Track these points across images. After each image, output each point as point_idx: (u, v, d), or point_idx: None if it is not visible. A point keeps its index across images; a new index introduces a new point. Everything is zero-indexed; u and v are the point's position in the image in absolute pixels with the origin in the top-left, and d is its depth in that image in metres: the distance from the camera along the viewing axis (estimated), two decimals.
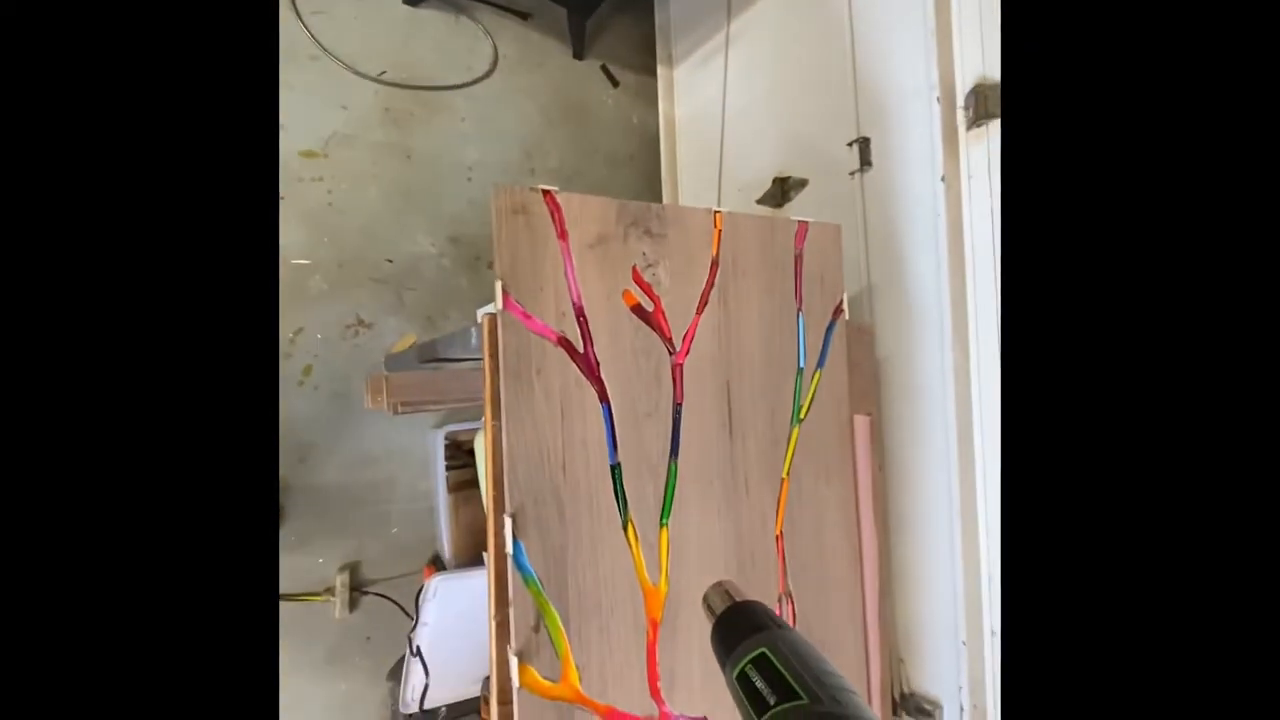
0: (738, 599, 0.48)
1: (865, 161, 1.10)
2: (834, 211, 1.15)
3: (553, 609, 0.67)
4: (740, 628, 0.45)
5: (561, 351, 0.70)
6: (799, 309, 0.88)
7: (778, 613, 0.52)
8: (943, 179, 0.94)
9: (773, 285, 0.86)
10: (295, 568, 1.27)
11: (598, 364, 0.72)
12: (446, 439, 1.28)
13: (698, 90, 1.64)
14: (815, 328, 0.90)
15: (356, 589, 1.31)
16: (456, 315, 1.47)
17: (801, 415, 0.87)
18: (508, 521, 0.66)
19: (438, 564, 1.34)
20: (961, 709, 0.91)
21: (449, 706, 1.14)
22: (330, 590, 1.28)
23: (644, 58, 1.78)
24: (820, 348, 0.90)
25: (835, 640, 0.88)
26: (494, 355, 0.67)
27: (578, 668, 0.68)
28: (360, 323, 1.37)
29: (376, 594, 1.32)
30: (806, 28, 1.27)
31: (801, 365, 0.88)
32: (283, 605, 1.23)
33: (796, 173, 1.28)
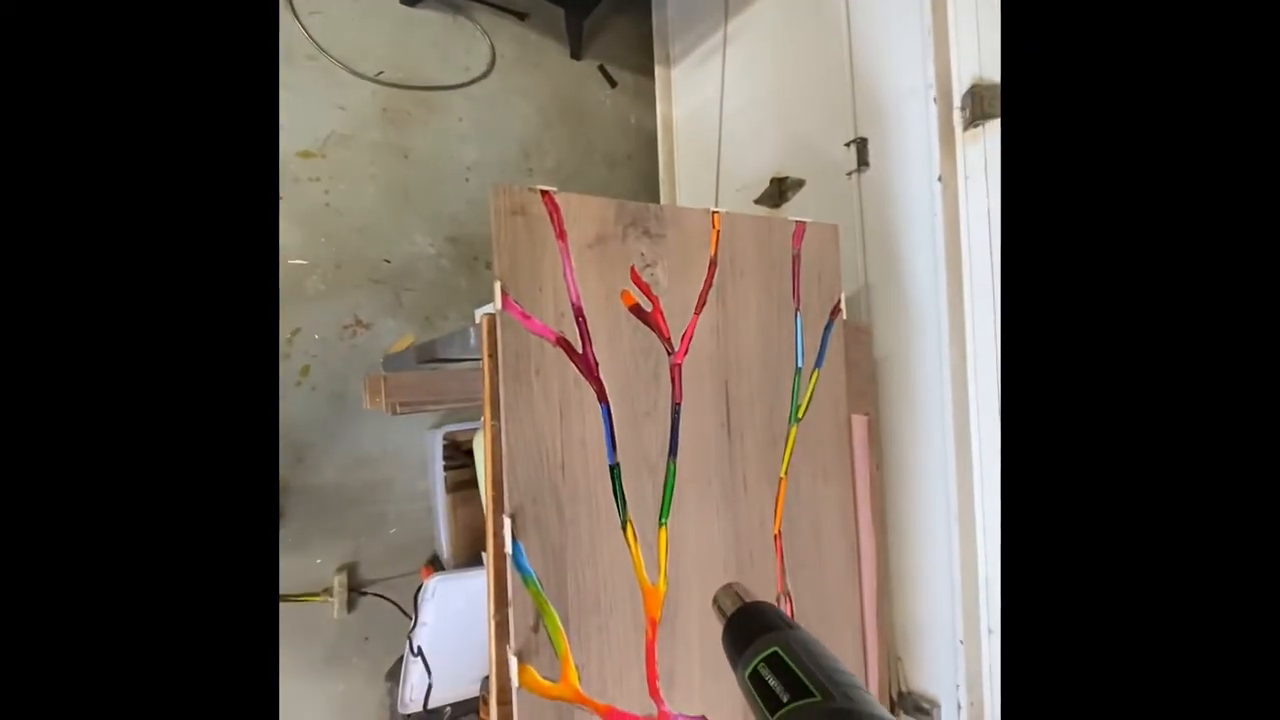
0: (747, 600, 0.49)
1: (862, 162, 1.11)
2: (831, 212, 1.15)
3: (552, 609, 0.67)
4: (751, 628, 0.45)
5: (560, 351, 0.70)
6: (797, 309, 0.88)
7: None
8: (939, 179, 0.94)
9: (771, 285, 0.86)
10: (293, 568, 1.26)
11: (596, 364, 0.72)
12: (445, 439, 1.28)
13: (695, 90, 1.64)
14: (813, 327, 0.90)
15: (354, 589, 1.31)
16: (455, 315, 1.47)
17: (799, 415, 0.87)
18: (507, 522, 0.66)
19: (436, 564, 1.34)
20: (959, 707, 0.92)
21: (453, 706, 1.14)
22: (328, 591, 1.28)
23: (641, 58, 1.78)
24: (818, 347, 0.90)
25: (833, 639, 0.88)
26: (493, 355, 0.67)
27: (577, 667, 0.68)
28: (358, 323, 1.37)
29: (375, 594, 1.32)
30: (804, 28, 1.28)
31: (799, 365, 0.88)
32: (281, 606, 1.23)
33: (794, 173, 1.28)
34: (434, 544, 1.38)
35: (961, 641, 0.92)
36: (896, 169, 1.05)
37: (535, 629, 0.66)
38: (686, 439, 0.77)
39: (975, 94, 0.92)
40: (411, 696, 1.10)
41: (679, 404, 0.77)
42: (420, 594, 1.09)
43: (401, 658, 1.14)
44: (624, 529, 0.72)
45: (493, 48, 1.58)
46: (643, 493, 0.74)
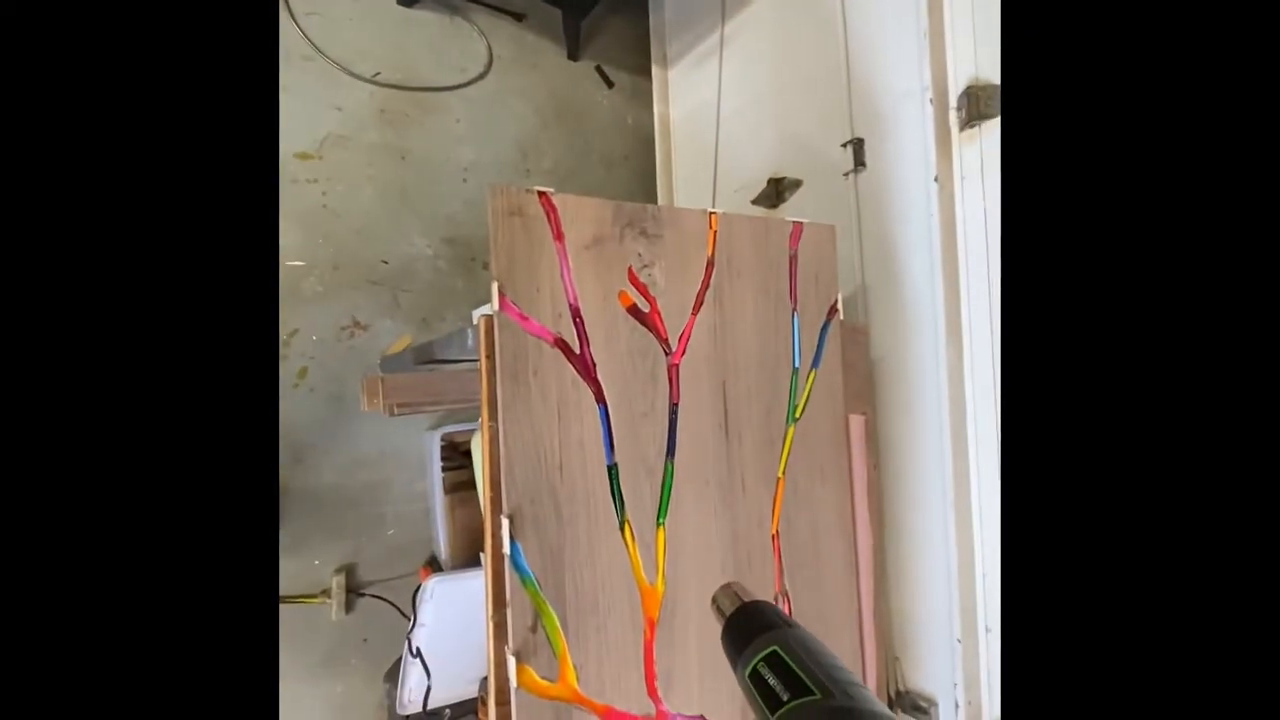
0: (746, 600, 0.49)
1: (859, 162, 1.11)
2: (829, 212, 1.15)
3: (550, 609, 0.67)
4: (750, 627, 0.45)
5: (558, 352, 0.70)
6: (794, 309, 0.89)
7: None
8: (936, 180, 0.95)
9: (768, 285, 0.86)
10: (291, 570, 1.26)
11: (594, 365, 0.72)
12: (443, 440, 1.28)
13: (692, 91, 1.65)
14: (810, 328, 0.90)
15: (353, 591, 1.31)
16: (452, 316, 1.47)
17: (797, 415, 0.88)
18: (505, 522, 0.66)
19: (434, 565, 1.34)
20: (957, 705, 0.92)
21: (452, 706, 1.14)
22: (326, 592, 1.28)
23: (638, 59, 1.78)
24: (815, 347, 0.90)
25: (831, 638, 0.88)
26: (490, 356, 0.67)
27: (575, 667, 0.68)
28: (356, 324, 1.37)
29: (373, 595, 1.32)
30: (800, 29, 1.28)
31: (797, 365, 0.88)
32: (279, 607, 1.23)
33: (791, 173, 1.28)
34: (432, 545, 1.38)
35: (959, 640, 0.92)
36: (893, 170, 1.05)
37: (533, 629, 0.66)
38: (684, 439, 0.77)
39: (971, 95, 0.93)
40: (410, 698, 1.10)
41: (676, 404, 0.77)
42: (419, 595, 1.09)
43: (400, 659, 1.14)
44: (622, 529, 0.73)
45: (490, 48, 1.58)
46: (640, 493, 0.74)
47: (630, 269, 0.75)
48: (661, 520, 0.75)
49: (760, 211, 1.34)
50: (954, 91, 0.95)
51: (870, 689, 0.94)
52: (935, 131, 0.95)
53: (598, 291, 0.73)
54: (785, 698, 0.38)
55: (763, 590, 0.83)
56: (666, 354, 0.77)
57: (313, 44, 1.36)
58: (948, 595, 0.93)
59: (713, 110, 1.51)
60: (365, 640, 1.32)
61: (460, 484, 1.27)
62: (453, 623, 1.10)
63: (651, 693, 0.73)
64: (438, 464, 1.27)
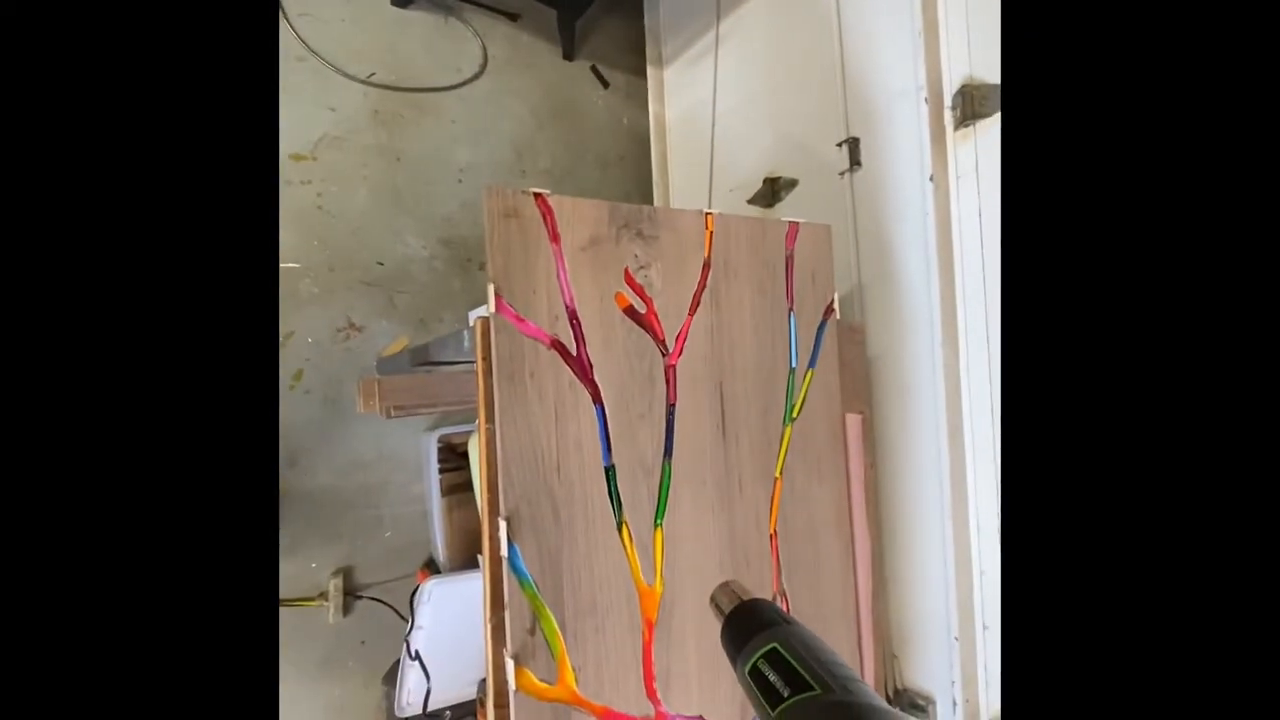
0: (745, 598, 0.49)
1: (855, 161, 1.11)
2: (824, 211, 1.15)
3: (548, 611, 0.67)
4: (750, 625, 0.46)
5: (555, 354, 0.70)
6: (790, 309, 0.89)
7: None
8: (931, 179, 0.95)
9: (764, 286, 0.86)
10: (288, 573, 1.26)
11: (591, 366, 0.72)
12: (439, 442, 1.27)
13: (688, 91, 1.65)
14: (807, 327, 0.90)
15: (350, 593, 1.31)
16: (449, 317, 1.46)
17: (794, 414, 0.88)
18: (502, 524, 0.66)
19: (432, 567, 1.34)
20: (954, 703, 0.92)
21: (450, 708, 1.14)
22: (323, 595, 1.28)
23: (634, 58, 1.78)
24: (812, 347, 0.91)
25: (829, 637, 0.88)
26: (487, 359, 0.67)
27: (574, 669, 0.68)
28: (351, 326, 1.37)
29: (370, 598, 1.32)
30: (795, 28, 1.28)
31: (793, 365, 0.88)
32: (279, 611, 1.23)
33: (787, 173, 1.28)
34: (429, 547, 1.37)
35: (956, 638, 0.92)
36: (888, 169, 1.06)
37: (532, 632, 0.66)
38: (681, 440, 0.77)
39: (966, 94, 0.93)
40: (409, 700, 1.10)
41: (674, 405, 0.77)
42: (416, 597, 1.09)
43: (398, 661, 1.13)
44: (620, 531, 0.73)
45: (484, 49, 1.57)
46: (638, 494, 0.74)
47: (627, 270, 0.75)
48: (659, 521, 0.75)
49: (756, 211, 1.34)
50: (948, 91, 0.95)
51: (869, 685, 0.94)
52: (930, 130, 0.95)
53: (594, 293, 0.73)
54: (785, 693, 0.39)
55: (761, 590, 0.83)
56: (663, 355, 0.77)
57: (306, 45, 1.36)
58: (945, 593, 0.94)
59: (708, 110, 1.51)
60: (363, 643, 1.32)
61: (457, 486, 1.27)
62: (451, 625, 1.10)
63: (650, 694, 0.73)
64: (435, 466, 1.27)
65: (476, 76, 1.56)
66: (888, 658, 1.02)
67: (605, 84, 1.74)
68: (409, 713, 1.11)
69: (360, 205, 1.40)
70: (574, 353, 0.71)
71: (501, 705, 0.65)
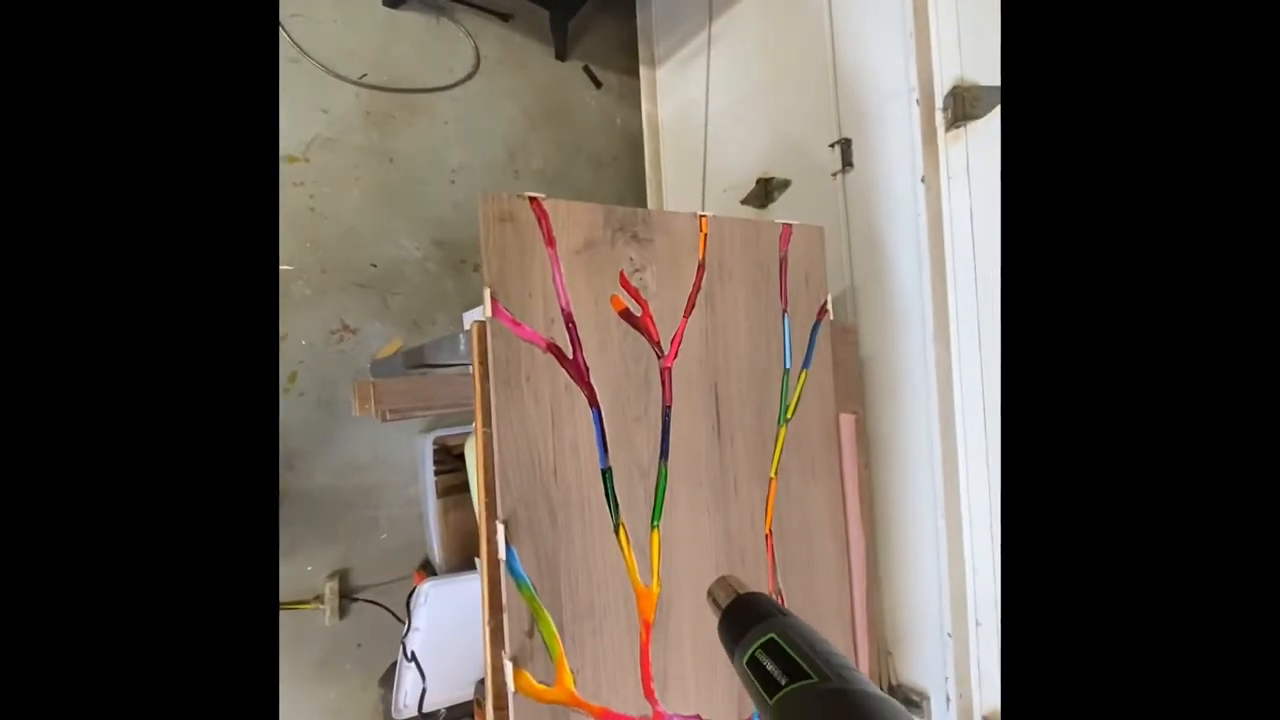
0: (742, 592, 0.50)
1: (847, 162, 1.12)
2: (817, 212, 1.16)
3: (546, 613, 0.68)
4: (747, 617, 0.47)
5: (551, 358, 0.70)
6: (784, 310, 0.89)
7: None
8: (923, 180, 0.96)
9: (758, 287, 0.87)
10: (284, 576, 1.26)
11: (587, 369, 0.72)
12: (435, 444, 1.28)
13: (680, 91, 1.65)
14: (801, 328, 0.91)
15: (346, 596, 1.31)
16: (443, 319, 1.46)
17: (788, 415, 0.88)
18: (500, 528, 0.66)
19: (428, 569, 1.34)
20: (948, 699, 0.93)
21: (447, 710, 1.14)
22: (319, 598, 1.28)
23: (626, 58, 1.78)
24: (806, 348, 0.91)
25: (824, 633, 0.89)
26: (484, 363, 0.67)
27: (572, 671, 0.68)
28: (345, 328, 1.36)
29: (366, 600, 1.32)
30: (787, 29, 1.29)
31: (788, 366, 0.89)
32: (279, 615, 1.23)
33: (779, 173, 1.29)
34: (425, 549, 1.38)
35: (949, 635, 0.93)
36: (880, 170, 1.06)
37: (530, 634, 0.67)
38: (677, 442, 0.78)
39: (957, 95, 0.94)
40: (405, 702, 1.10)
41: (669, 407, 0.78)
42: (413, 599, 1.09)
43: (394, 663, 1.14)
44: (617, 532, 0.73)
45: (477, 49, 1.57)
46: (635, 496, 0.75)
47: (622, 273, 0.76)
48: (656, 522, 0.76)
49: (749, 211, 1.34)
50: (940, 92, 0.96)
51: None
52: (921, 132, 0.96)
53: (590, 296, 0.73)
54: (783, 682, 0.40)
55: (756, 588, 0.83)
56: (659, 357, 0.78)
57: (298, 46, 1.35)
58: (938, 590, 0.95)
59: (701, 110, 1.52)
60: (359, 645, 1.32)
61: (453, 487, 1.27)
62: (447, 627, 1.11)
63: (648, 694, 0.73)
64: (430, 468, 1.27)
65: (469, 77, 1.56)
66: (882, 654, 1.03)
67: (598, 84, 1.75)
68: (406, 714, 1.11)
69: (353, 206, 1.39)
70: (570, 356, 0.71)
71: (501, 707, 0.65)
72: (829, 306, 0.94)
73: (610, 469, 0.73)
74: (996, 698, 0.92)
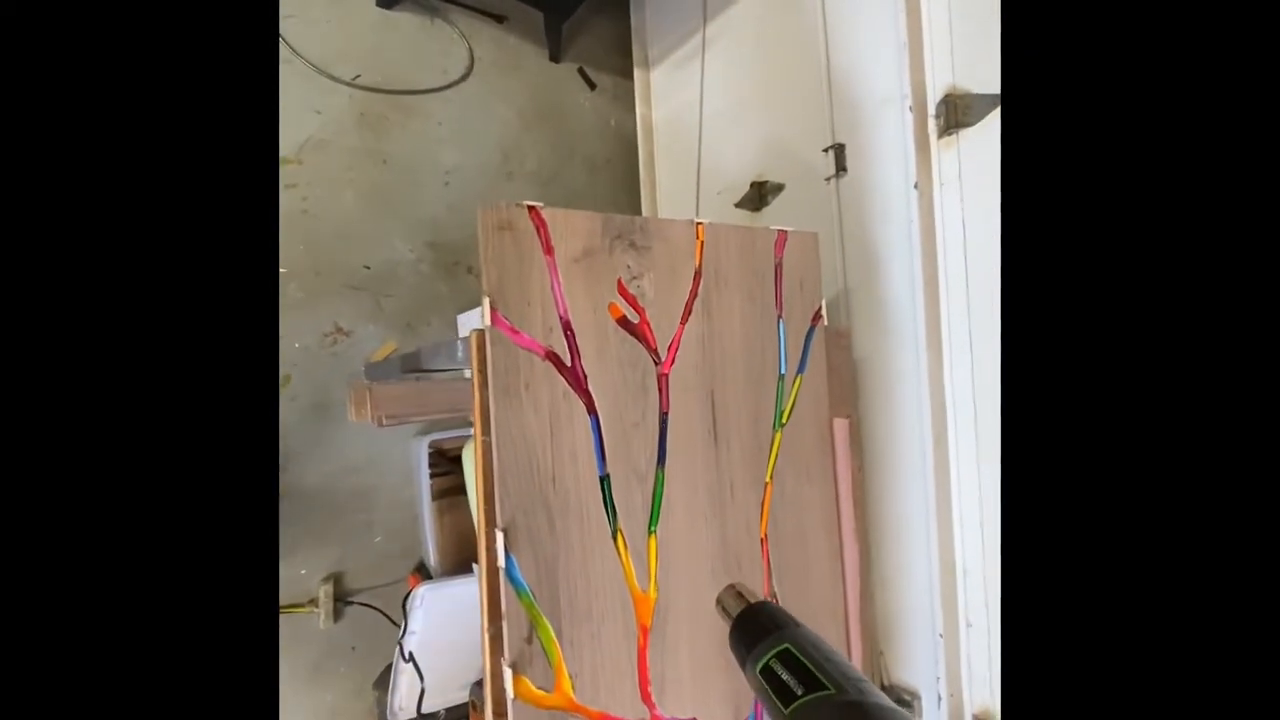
0: (752, 600, 0.51)
1: (841, 167, 1.13)
2: (810, 216, 1.17)
3: (545, 620, 0.68)
4: (759, 626, 0.47)
5: (549, 365, 0.71)
6: (780, 316, 0.90)
7: None
8: (915, 186, 0.97)
9: (754, 293, 0.88)
10: (279, 579, 1.25)
11: (585, 376, 0.73)
12: (430, 447, 1.27)
13: (675, 93, 1.65)
14: (795, 334, 0.92)
15: (340, 599, 1.31)
16: (437, 321, 1.46)
17: (784, 420, 0.89)
18: (499, 536, 0.66)
19: (423, 572, 1.34)
20: (939, 698, 0.95)
21: (446, 710, 1.14)
22: (314, 601, 1.28)
23: (621, 60, 1.78)
24: (800, 353, 0.92)
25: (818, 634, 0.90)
26: (483, 371, 0.68)
27: (570, 676, 0.69)
28: (339, 331, 1.36)
29: (361, 603, 1.32)
30: (782, 33, 1.29)
31: (783, 371, 0.90)
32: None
33: (774, 177, 1.30)
34: (420, 552, 1.37)
35: (941, 635, 0.95)
36: (873, 175, 1.07)
37: (529, 640, 0.67)
38: (674, 448, 0.78)
39: (949, 103, 0.95)
40: (401, 704, 1.11)
41: (666, 413, 0.78)
42: (409, 602, 1.10)
43: (389, 666, 1.14)
44: (614, 539, 0.74)
45: (471, 51, 1.56)
46: (632, 502, 0.75)
47: (619, 281, 0.76)
48: (653, 528, 0.76)
49: (743, 214, 1.35)
50: (932, 99, 0.97)
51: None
52: (914, 138, 0.97)
53: (588, 304, 0.74)
54: (799, 692, 0.40)
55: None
56: (656, 364, 0.78)
57: (290, 47, 1.34)
58: (929, 591, 0.96)
59: (695, 112, 1.52)
60: (354, 649, 1.32)
61: (448, 490, 1.27)
62: (443, 629, 1.11)
63: (645, 698, 0.74)
64: (425, 471, 1.27)
65: (463, 79, 1.55)
66: (875, 654, 1.04)
67: (592, 86, 1.74)
68: (403, 717, 1.11)
69: (346, 208, 1.39)
70: (568, 364, 0.72)
71: (500, 714, 0.66)
72: (823, 312, 0.95)
73: (608, 476, 0.73)
74: (987, 697, 0.93)
